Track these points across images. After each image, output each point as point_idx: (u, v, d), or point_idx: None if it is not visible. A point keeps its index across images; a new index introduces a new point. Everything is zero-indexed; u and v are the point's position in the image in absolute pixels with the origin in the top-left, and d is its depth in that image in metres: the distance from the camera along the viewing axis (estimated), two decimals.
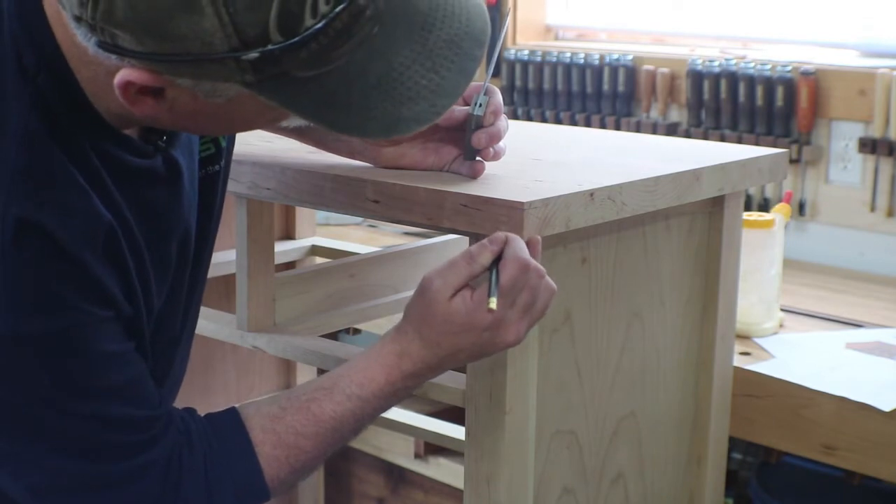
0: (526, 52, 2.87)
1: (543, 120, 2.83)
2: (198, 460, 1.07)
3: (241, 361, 2.12)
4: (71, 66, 0.96)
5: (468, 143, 1.28)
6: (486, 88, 1.27)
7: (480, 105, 1.27)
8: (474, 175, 1.30)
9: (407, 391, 1.15)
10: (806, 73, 2.40)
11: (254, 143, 1.47)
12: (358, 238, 2.44)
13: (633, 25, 2.95)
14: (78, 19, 0.90)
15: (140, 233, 1.04)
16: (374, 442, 2.36)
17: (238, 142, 1.44)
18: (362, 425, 1.14)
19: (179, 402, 1.18)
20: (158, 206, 1.07)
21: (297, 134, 1.39)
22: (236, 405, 1.14)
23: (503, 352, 1.21)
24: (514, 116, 2.84)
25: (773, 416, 1.74)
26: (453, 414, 1.84)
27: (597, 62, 2.75)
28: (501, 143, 1.30)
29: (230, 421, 1.10)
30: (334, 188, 1.32)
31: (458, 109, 1.28)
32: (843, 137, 2.42)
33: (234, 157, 1.41)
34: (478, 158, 1.30)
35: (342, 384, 1.12)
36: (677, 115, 2.67)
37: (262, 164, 1.39)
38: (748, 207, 2.34)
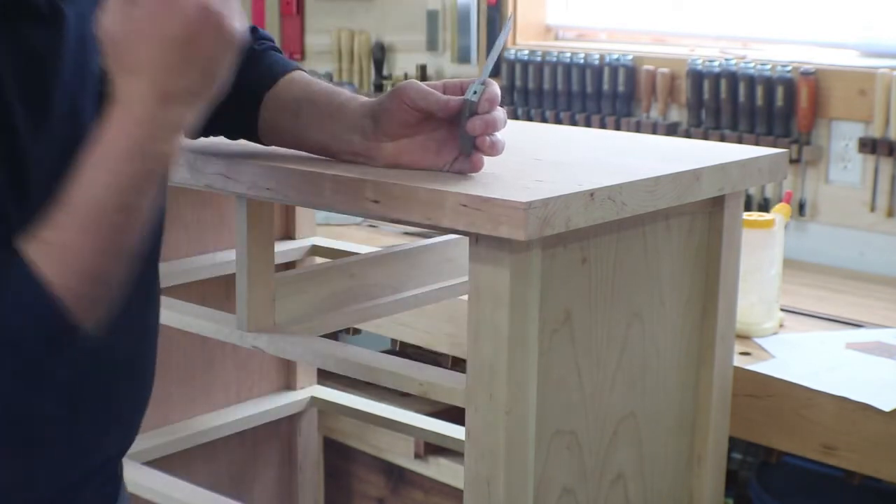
0: (526, 52, 2.87)
1: (543, 120, 2.83)
2: None
3: (241, 361, 2.12)
4: None
5: (463, 132, 1.28)
6: (483, 80, 1.27)
7: (475, 93, 1.26)
8: (473, 169, 1.29)
9: (157, 143, 0.98)
10: (806, 73, 2.40)
11: (254, 143, 1.47)
12: (358, 238, 2.44)
13: (633, 25, 2.95)
14: None
15: (5, 65, 0.98)
16: (374, 442, 2.37)
17: (237, 142, 1.44)
18: (129, 200, 0.97)
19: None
20: (37, 48, 1.01)
21: (298, 141, 1.38)
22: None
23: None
24: (514, 116, 2.84)
25: (773, 416, 1.74)
26: (453, 414, 1.84)
27: (597, 62, 2.75)
28: (500, 136, 1.29)
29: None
30: (334, 188, 1.32)
31: (456, 100, 1.27)
32: (843, 137, 2.42)
33: (233, 157, 1.41)
34: (477, 153, 1.29)
35: (84, 166, 0.97)
36: (677, 115, 2.67)
37: (262, 164, 1.39)
38: (748, 207, 2.34)
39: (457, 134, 1.30)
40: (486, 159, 1.30)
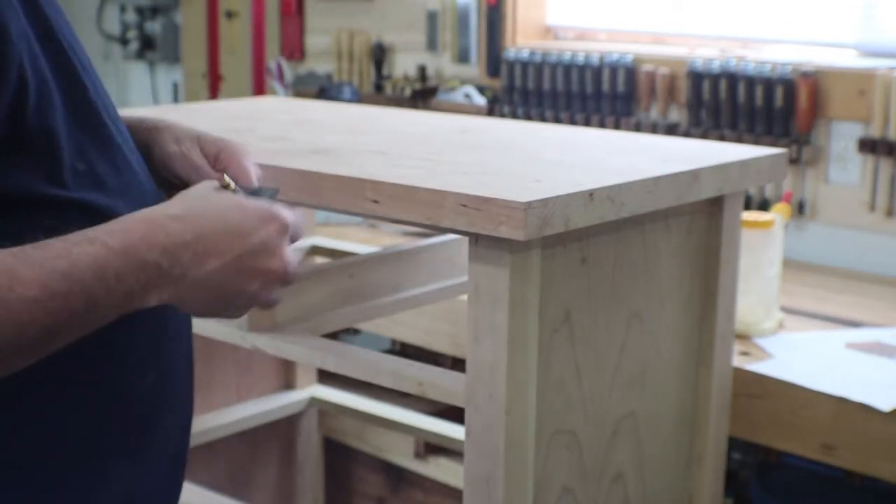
0: (526, 52, 2.88)
1: (543, 120, 2.82)
2: None
3: (241, 361, 2.13)
4: None
5: None
6: (270, 188, 1.15)
7: (269, 196, 1.12)
8: None
9: (155, 273, 0.92)
10: (805, 74, 2.41)
11: (253, 143, 1.47)
12: (358, 238, 2.44)
13: (633, 25, 2.95)
14: None
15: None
16: (374, 442, 2.37)
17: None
18: (100, 292, 0.89)
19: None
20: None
21: None
22: None
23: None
24: (514, 116, 2.84)
25: (772, 415, 1.74)
26: (453, 414, 1.84)
27: (596, 62, 2.75)
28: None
29: None
30: (334, 188, 1.32)
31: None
32: (842, 137, 2.42)
33: None
34: None
35: (90, 232, 0.91)
36: (677, 115, 2.67)
37: (262, 164, 1.39)
38: (748, 207, 2.35)
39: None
40: (484, 158, 1.31)
